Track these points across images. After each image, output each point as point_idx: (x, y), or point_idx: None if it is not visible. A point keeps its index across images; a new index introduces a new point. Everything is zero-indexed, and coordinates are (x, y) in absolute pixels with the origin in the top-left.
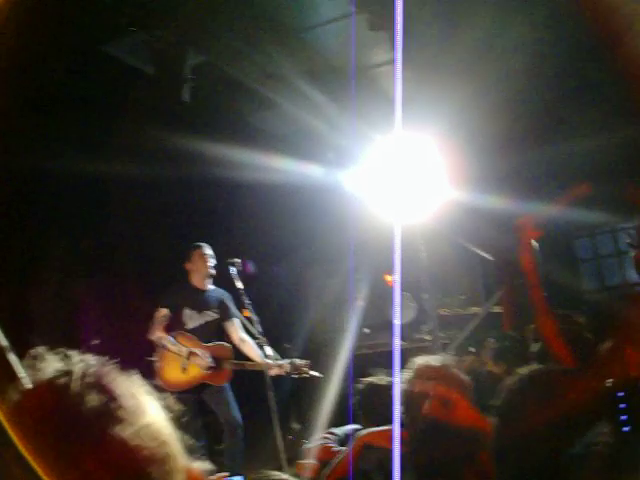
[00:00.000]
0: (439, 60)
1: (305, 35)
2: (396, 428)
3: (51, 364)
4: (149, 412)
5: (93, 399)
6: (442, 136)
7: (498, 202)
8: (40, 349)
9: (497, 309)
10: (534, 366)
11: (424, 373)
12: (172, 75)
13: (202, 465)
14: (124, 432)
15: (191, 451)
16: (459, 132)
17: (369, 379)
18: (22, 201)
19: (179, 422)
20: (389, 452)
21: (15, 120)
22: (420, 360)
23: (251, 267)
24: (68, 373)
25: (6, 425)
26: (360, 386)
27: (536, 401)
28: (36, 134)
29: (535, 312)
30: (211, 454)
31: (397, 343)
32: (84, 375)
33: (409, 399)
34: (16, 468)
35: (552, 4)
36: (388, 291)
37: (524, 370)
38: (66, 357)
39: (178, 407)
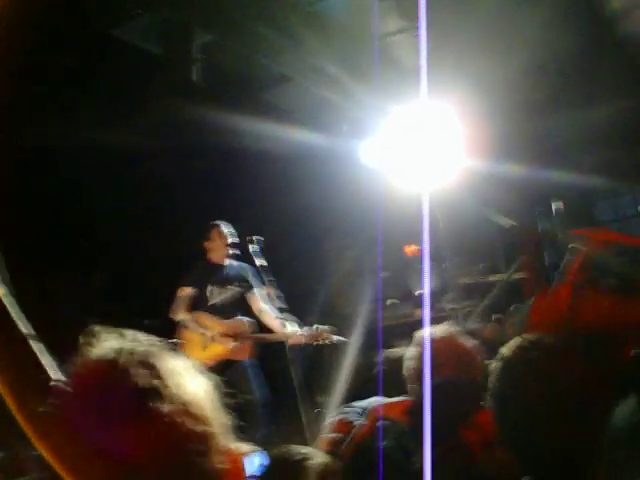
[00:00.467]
0: (458, 27)
1: (315, 7)
2: (426, 402)
3: (105, 342)
4: (192, 390)
5: (139, 376)
6: (462, 104)
7: (518, 169)
8: (97, 327)
9: (518, 276)
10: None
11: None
12: (181, 55)
13: (242, 446)
14: (166, 408)
15: (231, 432)
16: (479, 100)
17: (387, 352)
18: (39, 182)
19: (221, 402)
20: (405, 426)
21: (28, 105)
22: (423, 332)
23: (271, 242)
24: (118, 351)
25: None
26: (379, 359)
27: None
28: (47, 118)
29: None
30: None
31: (426, 313)
32: (132, 353)
33: (416, 372)
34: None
35: None
36: (409, 262)
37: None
38: (120, 335)
39: (221, 387)
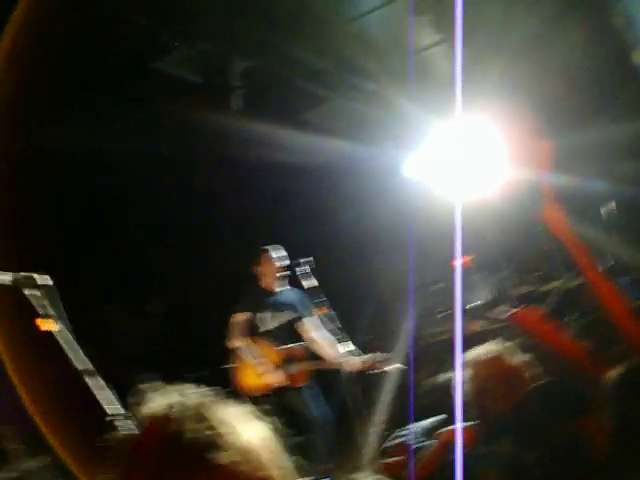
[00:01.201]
0: (498, 38)
1: (353, 24)
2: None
3: (154, 399)
4: (247, 437)
5: (192, 429)
6: (501, 115)
7: (562, 180)
8: (143, 385)
9: (578, 281)
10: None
11: (479, 367)
12: (221, 85)
13: None
14: (222, 458)
15: (300, 471)
16: (520, 111)
17: (431, 379)
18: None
19: (281, 444)
20: (472, 452)
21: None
22: (472, 355)
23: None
24: (169, 406)
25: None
26: (426, 385)
27: None
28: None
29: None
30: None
31: (459, 331)
32: (183, 406)
33: (472, 396)
34: None
35: None
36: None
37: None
38: (168, 391)
39: (281, 428)
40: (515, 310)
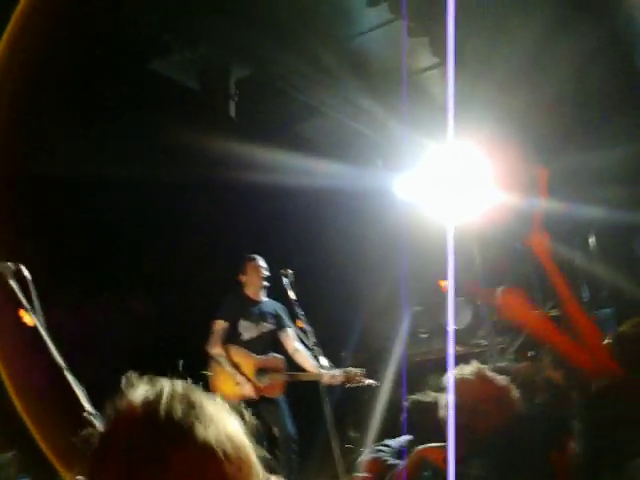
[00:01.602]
0: (491, 63)
1: (349, 43)
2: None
3: (142, 386)
4: (230, 421)
5: (179, 409)
6: (493, 139)
7: (551, 205)
8: (129, 374)
9: (555, 312)
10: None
11: (460, 389)
12: (218, 91)
13: None
14: (207, 434)
15: (266, 465)
16: (510, 135)
17: (414, 396)
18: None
19: (255, 435)
20: (441, 470)
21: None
22: (454, 375)
23: (302, 276)
24: (158, 393)
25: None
26: (406, 404)
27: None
28: (84, 147)
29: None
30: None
31: (451, 350)
32: (173, 392)
33: (452, 416)
34: None
35: (599, 15)
36: (443, 297)
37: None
38: (153, 382)
39: (254, 421)
40: (500, 291)
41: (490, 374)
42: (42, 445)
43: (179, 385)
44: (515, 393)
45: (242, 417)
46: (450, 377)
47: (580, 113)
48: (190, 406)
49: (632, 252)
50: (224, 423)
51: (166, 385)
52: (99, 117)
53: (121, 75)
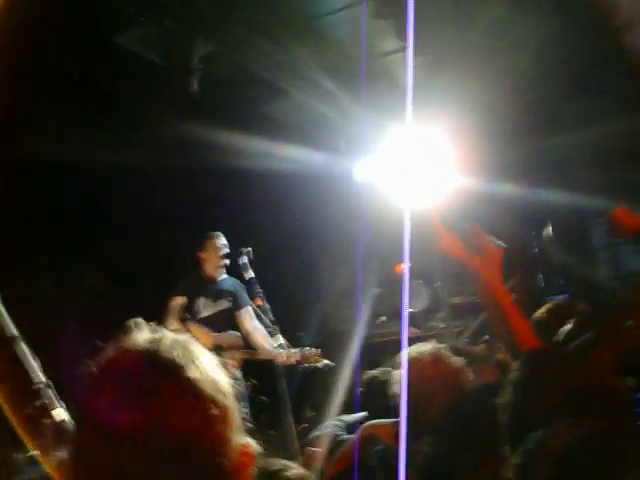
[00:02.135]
0: (451, 49)
1: (314, 24)
2: (402, 422)
3: (145, 333)
4: (221, 373)
5: (177, 352)
6: (453, 124)
7: (509, 190)
8: (139, 320)
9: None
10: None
11: (415, 367)
12: (181, 65)
13: (255, 445)
14: (199, 376)
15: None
16: (470, 120)
17: (370, 372)
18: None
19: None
20: (391, 446)
21: (23, 113)
22: (409, 353)
23: (263, 255)
24: (161, 337)
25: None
26: (362, 378)
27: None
28: (43, 125)
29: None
30: None
31: (406, 332)
32: (175, 339)
33: (405, 395)
34: None
35: None
36: (401, 280)
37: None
38: (157, 330)
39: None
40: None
41: (446, 354)
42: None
43: (182, 336)
44: (468, 374)
45: (231, 376)
46: (404, 355)
47: (541, 97)
48: (187, 351)
49: (588, 239)
50: (215, 373)
51: (169, 333)
52: (61, 92)
53: (85, 49)
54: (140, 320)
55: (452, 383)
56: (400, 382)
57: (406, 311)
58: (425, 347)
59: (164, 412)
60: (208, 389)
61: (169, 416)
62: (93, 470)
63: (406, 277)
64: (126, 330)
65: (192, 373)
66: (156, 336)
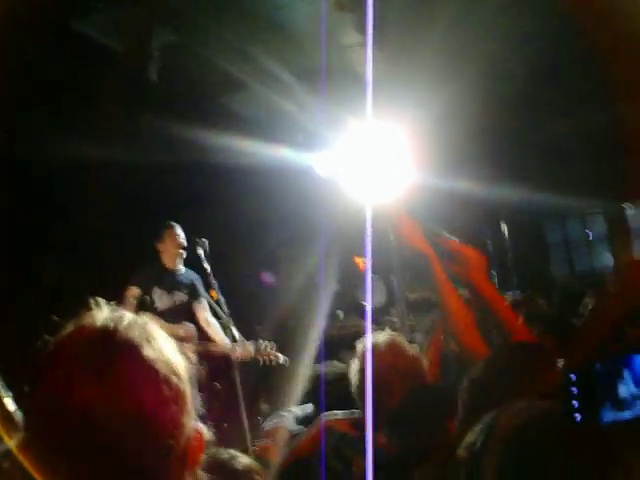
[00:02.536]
0: (411, 43)
1: (274, 15)
2: (368, 414)
3: (105, 311)
4: (177, 356)
5: (135, 331)
6: (413, 119)
7: (467, 186)
8: (99, 299)
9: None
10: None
11: (372, 356)
12: (139, 54)
13: (206, 431)
14: (154, 355)
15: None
16: (431, 115)
17: (326, 366)
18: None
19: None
20: (347, 437)
21: None
22: (364, 344)
23: (221, 248)
24: (120, 316)
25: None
26: (317, 372)
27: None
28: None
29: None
30: None
31: (369, 326)
32: (134, 319)
33: (362, 387)
34: None
35: None
36: (359, 274)
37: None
38: (116, 310)
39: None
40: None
41: (402, 343)
42: None
43: (141, 317)
44: (424, 364)
45: (187, 359)
46: (361, 346)
47: (501, 93)
48: (145, 332)
49: (543, 237)
50: (171, 355)
51: (129, 313)
52: (16, 79)
53: (43, 35)
54: (100, 299)
55: (407, 373)
56: (356, 374)
57: (369, 305)
58: (380, 337)
59: (117, 389)
60: (163, 370)
61: (121, 393)
62: (45, 443)
63: (368, 272)
64: (86, 308)
65: (148, 352)
66: (115, 315)
